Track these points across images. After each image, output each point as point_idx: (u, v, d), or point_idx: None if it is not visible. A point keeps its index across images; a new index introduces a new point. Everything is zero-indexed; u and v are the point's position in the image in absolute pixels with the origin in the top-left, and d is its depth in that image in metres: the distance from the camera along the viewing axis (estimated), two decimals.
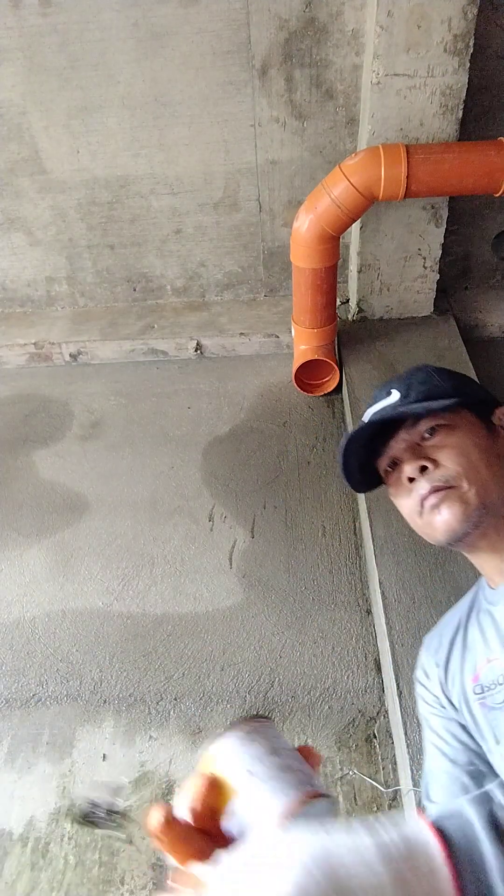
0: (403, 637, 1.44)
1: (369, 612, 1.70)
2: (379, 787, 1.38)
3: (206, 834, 0.45)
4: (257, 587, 1.79)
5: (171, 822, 0.45)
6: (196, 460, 2.17)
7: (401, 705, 1.33)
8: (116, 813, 0.41)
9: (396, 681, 1.37)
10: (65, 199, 2.41)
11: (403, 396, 0.98)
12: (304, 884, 0.38)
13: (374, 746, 1.46)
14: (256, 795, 0.46)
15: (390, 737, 1.46)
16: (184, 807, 0.46)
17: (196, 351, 2.58)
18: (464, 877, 0.42)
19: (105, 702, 1.59)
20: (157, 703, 1.58)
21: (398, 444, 0.96)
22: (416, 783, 1.21)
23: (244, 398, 2.39)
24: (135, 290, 2.70)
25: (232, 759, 0.48)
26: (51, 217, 2.46)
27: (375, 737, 1.47)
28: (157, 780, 1.44)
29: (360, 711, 1.52)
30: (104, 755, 1.50)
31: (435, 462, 0.90)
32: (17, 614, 1.79)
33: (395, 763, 1.41)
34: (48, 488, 2.13)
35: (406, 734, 1.28)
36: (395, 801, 1.37)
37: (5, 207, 2.44)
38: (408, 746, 1.26)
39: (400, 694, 1.34)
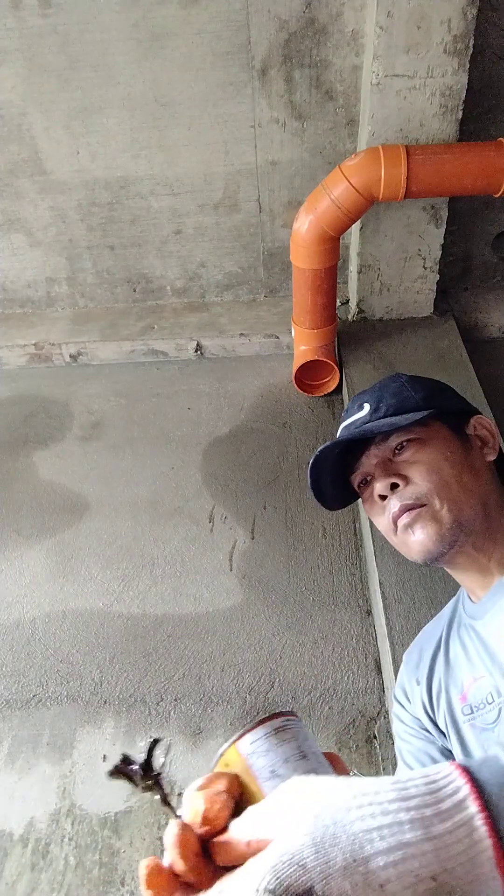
0: (404, 637, 1.44)
1: (369, 612, 1.70)
2: None
3: (203, 864, 0.41)
4: (257, 588, 1.79)
5: (159, 873, 0.41)
6: (196, 461, 2.17)
7: None
8: (149, 770, 0.40)
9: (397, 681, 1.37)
10: (65, 199, 2.41)
11: (373, 410, 0.95)
12: (316, 833, 0.35)
13: (375, 747, 1.46)
14: None
15: (391, 737, 1.46)
16: (193, 807, 0.42)
17: (196, 352, 2.58)
18: (494, 806, 0.37)
19: (105, 702, 1.59)
20: (158, 703, 1.58)
21: (370, 460, 0.93)
22: None
23: (244, 399, 2.39)
24: (135, 290, 2.70)
25: (256, 757, 0.44)
26: (51, 218, 2.46)
27: (376, 737, 1.47)
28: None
29: (360, 712, 1.52)
30: (104, 756, 1.50)
31: (405, 479, 0.87)
32: (17, 615, 1.79)
33: (396, 764, 1.41)
34: (48, 489, 2.13)
35: None
36: None
37: (5, 208, 2.45)
38: None
39: None
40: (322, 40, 2.00)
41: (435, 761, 0.86)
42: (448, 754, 0.86)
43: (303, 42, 2.00)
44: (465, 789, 0.37)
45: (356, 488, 0.98)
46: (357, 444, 0.95)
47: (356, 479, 0.97)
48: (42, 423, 2.39)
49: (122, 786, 1.40)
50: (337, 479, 0.99)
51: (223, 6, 1.94)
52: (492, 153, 1.83)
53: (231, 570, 1.84)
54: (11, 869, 1.35)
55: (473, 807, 0.36)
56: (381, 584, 1.55)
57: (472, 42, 1.78)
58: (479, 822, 0.36)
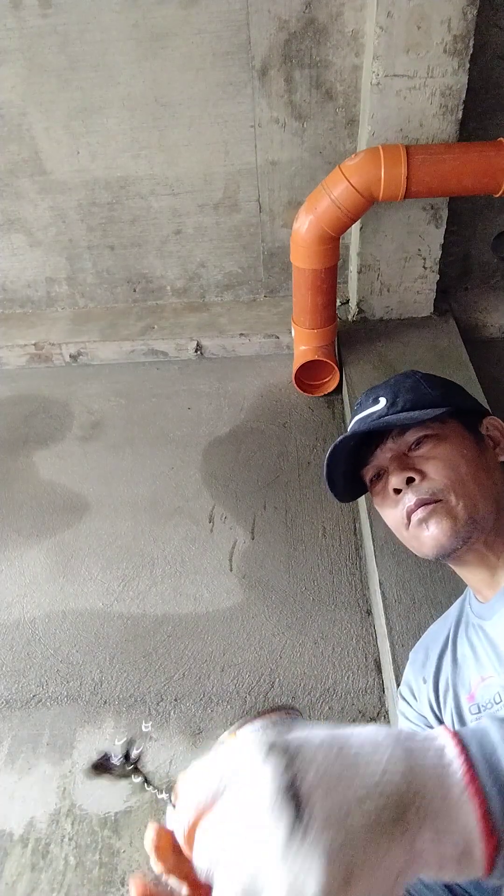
0: (404, 637, 1.44)
1: (369, 612, 1.70)
2: None
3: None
4: (257, 588, 1.79)
5: (166, 839, 0.44)
6: (196, 461, 2.17)
7: None
8: (129, 760, 0.41)
9: (397, 681, 1.37)
10: (65, 199, 2.41)
11: (390, 405, 0.95)
12: (308, 749, 0.38)
13: None
14: None
15: None
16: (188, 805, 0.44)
17: (196, 352, 2.58)
18: (473, 755, 0.40)
19: (105, 702, 1.59)
20: (158, 703, 1.58)
21: (384, 454, 0.93)
22: None
23: (244, 399, 2.39)
24: (135, 290, 2.70)
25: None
26: (51, 218, 2.46)
27: None
28: (158, 781, 1.44)
29: (360, 712, 1.52)
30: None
31: (422, 474, 0.87)
32: (17, 615, 1.79)
33: None
34: (48, 489, 2.13)
35: None
36: None
37: (5, 208, 2.45)
38: None
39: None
40: (322, 40, 2.00)
41: None
42: None
43: (303, 42, 2.00)
44: (441, 731, 0.42)
45: (367, 481, 0.98)
46: (372, 438, 0.95)
47: (368, 473, 0.96)
48: (42, 423, 2.39)
49: (122, 786, 1.40)
50: (348, 471, 0.99)
51: (223, 6, 1.94)
52: (492, 153, 1.83)
53: (231, 570, 1.84)
54: (11, 869, 1.35)
55: (446, 737, 0.41)
56: (381, 584, 1.55)
57: (472, 42, 1.78)
58: (452, 748, 0.40)
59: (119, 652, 1.69)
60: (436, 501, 0.85)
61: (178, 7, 1.95)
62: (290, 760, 0.38)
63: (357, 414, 1.01)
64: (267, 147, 2.24)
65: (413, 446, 0.91)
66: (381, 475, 0.94)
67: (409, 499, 0.87)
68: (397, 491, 0.89)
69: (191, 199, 2.39)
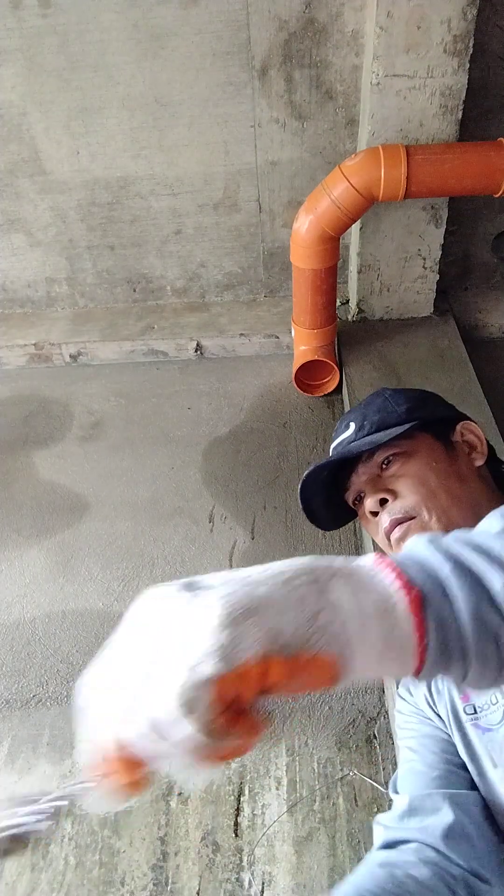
0: None
1: None
2: (379, 787, 1.38)
3: None
4: None
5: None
6: (196, 461, 2.17)
7: None
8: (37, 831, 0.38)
9: (396, 681, 1.37)
10: (65, 199, 2.41)
11: (358, 429, 0.97)
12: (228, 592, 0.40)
13: (375, 747, 1.46)
14: None
15: (390, 737, 1.46)
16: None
17: (196, 352, 2.58)
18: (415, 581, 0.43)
19: None
20: None
21: (359, 478, 0.94)
22: None
23: (244, 399, 2.39)
24: (135, 290, 2.70)
25: None
26: (51, 218, 2.46)
27: (376, 737, 1.47)
28: (157, 781, 1.44)
29: (360, 712, 1.52)
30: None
31: (393, 493, 0.88)
32: (17, 615, 1.79)
33: (396, 764, 1.41)
34: (48, 489, 2.13)
35: None
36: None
37: (5, 208, 2.45)
38: None
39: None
40: (322, 40, 2.00)
41: (441, 746, 0.86)
42: (452, 745, 0.86)
43: (303, 42, 2.00)
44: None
45: (352, 505, 0.99)
46: (347, 463, 0.96)
47: (350, 497, 0.98)
48: (42, 423, 2.39)
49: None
50: (331, 498, 1.01)
51: (223, 6, 1.94)
52: (492, 153, 1.83)
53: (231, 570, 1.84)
54: (11, 869, 1.35)
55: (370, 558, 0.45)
56: None
57: (472, 42, 1.78)
58: (367, 558, 0.45)
59: None
60: (410, 519, 0.86)
61: (178, 7, 1.95)
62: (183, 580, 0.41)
63: (333, 441, 1.04)
64: (267, 147, 2.24)
65: (383, 466, 0.92)
66: (361, 498, 0.95)
67: (385, 520, 0.88)
68: (374, 513, 0.90)
69: (191, 199, 2.39)
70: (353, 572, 0.42)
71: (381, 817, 0.84)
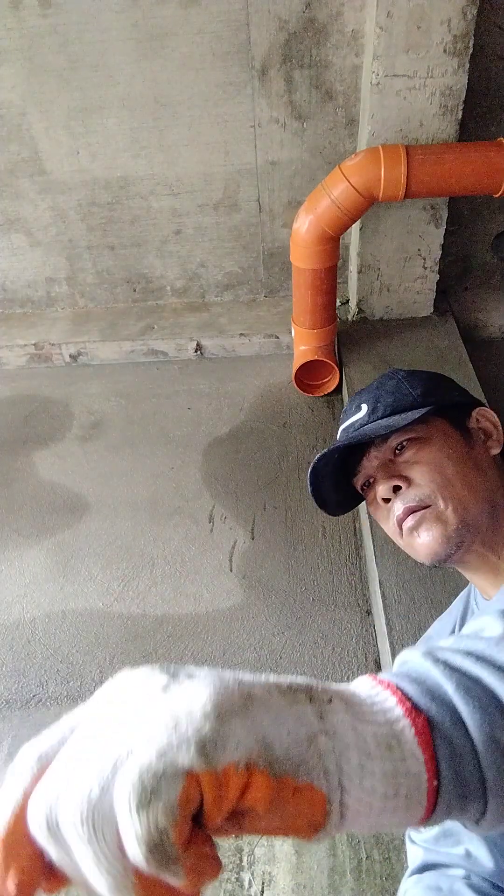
0: (404, 637, 1.44)
1: (369, 612, 1.70)
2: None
3: None
4: (257, 588, 1.79)
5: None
6: (196, 461, 2.17)
7: None
8: None
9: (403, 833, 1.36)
10: (65, 199, 2.41)
11: (371, 411, 0.93)
12: (220, 686, 0.33)
13: None
14: None
15: None
16: None
17: (196, 352, 2.58)
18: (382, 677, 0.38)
19: None
20: None
21: (371, 462, 0.91)
22: None
23: (244, 399, 2.39)
24: (135, 290, 2.70)
25: None
26: (51, 218, 2.46)
27: None
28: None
29: None
30: None
31: (407, 480, 0.85)
32: (17, 615, 1.79)
33: None
34: (48, 489, 2.13)
35: None
36: None
37: (5, 208, 2.45)
38: None
39: None
40: (322, 40, 2.00)
41: None
42: None
43: (303, 42, 2.00)
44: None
45: (360, 490, 0.96)
46: (357, 446, 0.93)
47: (359, 482, 0.94)
48: (42, 423, 2.38)
49: None
50: (339, 483, 0.97)
51: (223, 6, 1.94)
52: (492, 153, 1.83)
53: (231, 570, 1.84)
54: None
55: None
56: (381, 584, 1.55)
57: (472, 42, 1.78)
58: (363, 679, 0.39)
59: (119, 652, 1.68)
60: (424, 508, 0.83)
61: (178, 7, 1.95)
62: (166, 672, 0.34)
63: (343, 422, 0.99)
64: (267, 147, 2.24)
65: (397, 451, 0.89)
66: (371, 483, 0.92)
67: (398, 507, 0.85)
68: (386, 500, 0.87)
69: (191, 199, 2.39)
70: (351, 697, 0.36)
71: (414, 835, 0.81)
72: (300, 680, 0.36)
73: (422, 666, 0.39)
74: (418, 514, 0.83)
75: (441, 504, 0.82)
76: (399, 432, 0.89)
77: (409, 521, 0.84)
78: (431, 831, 0.78)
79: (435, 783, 0.34)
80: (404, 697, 0.36)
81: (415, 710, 0.35)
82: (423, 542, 0.83)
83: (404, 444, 0.88)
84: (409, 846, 0.82)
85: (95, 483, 2.13)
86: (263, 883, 1.27)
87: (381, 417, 0.91)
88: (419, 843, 0.80)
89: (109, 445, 2.27)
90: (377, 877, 1.26)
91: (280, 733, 0.32)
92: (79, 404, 2.45)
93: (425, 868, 0.76)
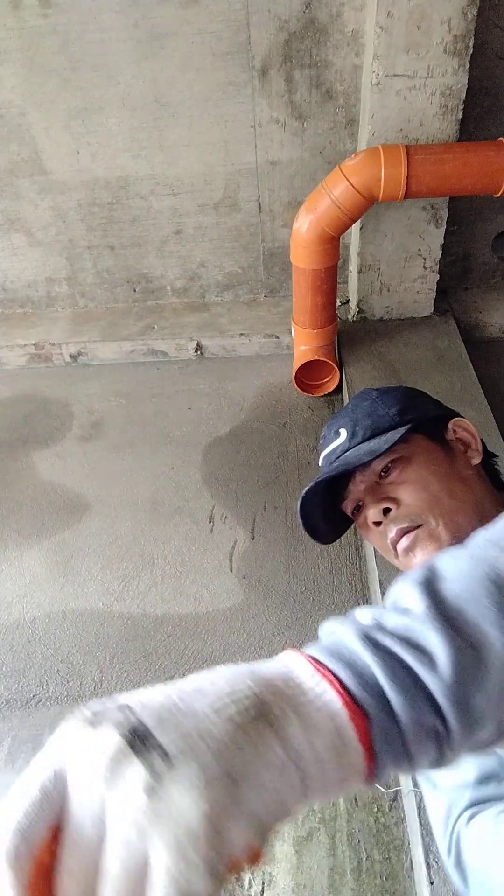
0: None
1: None
2: (379, 787, 1.38)
3: None
4: (257, 588, 1.79)
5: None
6: (196, 461, 2.17)
7: None
8: None
9: None
10: (65, 199, 2.41)
11: (350, 436, 0.94)
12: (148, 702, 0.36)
13: None
14: None
15: None
16: None
17: (196, 352, 2.58)
18: (311, 651, 0.41)
19: None
20: None
21: (357, 487, 0.92)
22: (416, 784, 1.21)
23: (244, 399, 2.39)
24: (135, 290, 2.70)
25: None
26: (51, 218, 2.46)
27: None
28: None
29: None
30: None
31: (396, 502, 0.86)
32: (17, 615, 1.79)
33: None
34: (48, 489, 2.13)
35: None
36: (395, 801, 1.37)
37: (5, 208, 2.45)
38: None
39: None
40: (322, 40, 2.00)
41: None
42: None
43: (303, 42, 2.00)
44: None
45: (350, 515, 0.97)
46: (342, 473, 0.94)
47: (348, 507, 0.95)
48: (42, 423, 2.39)
49: None
50: (327, 512, 0.98)
51: (223, 6, 1.94)
52: (492, 153, 1.83)
53: (231, 570, 1.84)
54: None
55: (284, 653, 0.42)
56: (381, 584, 1.55)
57: (472, 42, 1.78)
58: (290, 653, 0.41)
59: (119, 652, 1.68)
60: (416, 527, 0.84)
61: (178, 7, 1.95)
62: (120, 714, 0.36)
63: (323, 449, 1.00)
64: (267, 147, 2.24)
65: (382, 473, 0.90)
66: (360, 507, 0.93)
67: (391, 530, 0.85)
68: (377, 523, 0.88)
69: (191, 199, 2.39)
70: (294, 697, 0.38)
71: (440, 780, 0.78)
72: (240, 681, 0.37)
73: (352, 644, 0.42)
74: (412, 534, 0.84)
75: (433, 522, 0.83)
76: (382, 456, 0.89)
77: (404, 542, 0.84)
78: (466, 776, 0.75)
79: (372, 765, 0.39)
80: (343, 689, 0.39)
81: (354, 705, 0.38)
82: (420, 562, 0.83)
83: (388, 465, 0.90)
84: (428, 791, 0.80)
85: (95, 483, 2.13)
86: (264, 883, 1.27)
87: (362, 441, 0.92)
88: (446, 788, 0.77)
89: (109, 445, 2.27)
90: (377, 877, 1.27)
91: (263, 799, 0.33)
92: (79, 404, 2.45)
93: (474, 804, 0.74)
